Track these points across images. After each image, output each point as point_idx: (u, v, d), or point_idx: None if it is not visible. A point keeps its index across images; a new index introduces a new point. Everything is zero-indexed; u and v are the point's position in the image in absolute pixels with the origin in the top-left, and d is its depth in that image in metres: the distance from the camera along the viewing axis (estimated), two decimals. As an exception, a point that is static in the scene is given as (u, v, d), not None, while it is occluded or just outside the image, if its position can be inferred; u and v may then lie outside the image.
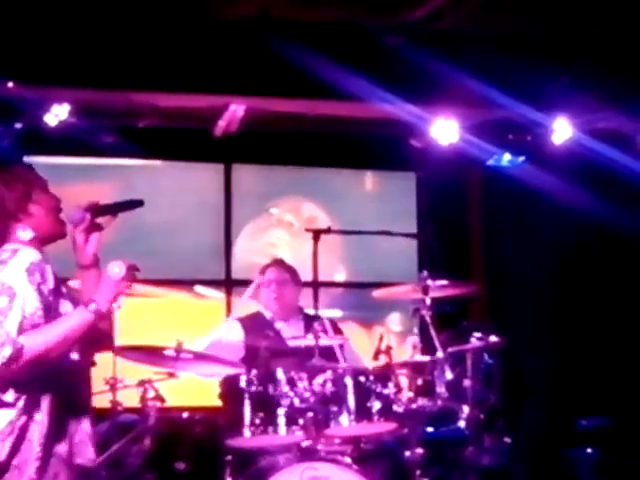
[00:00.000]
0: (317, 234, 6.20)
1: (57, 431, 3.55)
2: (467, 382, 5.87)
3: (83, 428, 3.68)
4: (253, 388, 5.37)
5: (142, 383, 5.75)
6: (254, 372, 5.43)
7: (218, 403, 5.96)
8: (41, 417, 3.49)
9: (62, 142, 6.77)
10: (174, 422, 5.91)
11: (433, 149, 7.16)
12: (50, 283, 3.57)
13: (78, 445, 3.61)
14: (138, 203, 3.87)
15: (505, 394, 6.18)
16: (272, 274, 6.58)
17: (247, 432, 5.35)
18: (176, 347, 5.53)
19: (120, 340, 5.77)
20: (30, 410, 3.47)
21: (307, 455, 5.33)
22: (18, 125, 6.45)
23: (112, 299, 3.58)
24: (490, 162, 7.34)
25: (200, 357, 5.72)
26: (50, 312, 3.51)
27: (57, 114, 6.41)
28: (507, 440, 6.10)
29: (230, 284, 7.51)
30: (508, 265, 7.44)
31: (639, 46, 6.34)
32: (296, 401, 5.37)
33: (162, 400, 5.71)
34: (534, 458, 6.72)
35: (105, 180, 7.43)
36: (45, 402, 3.50)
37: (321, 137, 7.20)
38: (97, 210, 3.76)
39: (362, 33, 6.23)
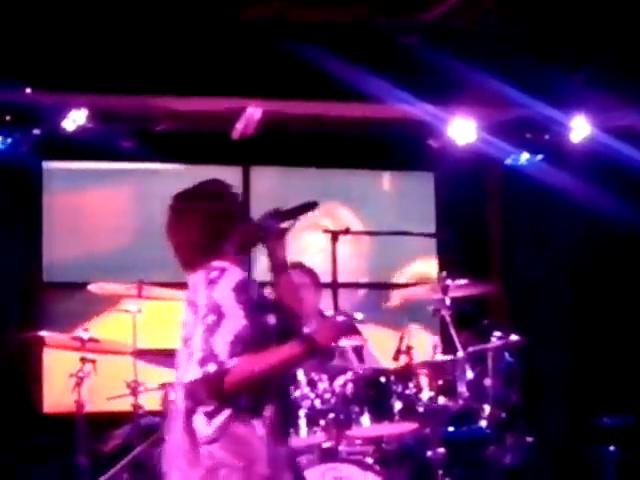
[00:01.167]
0: (335, 235, 6.15)
1: (279, 434, 3.61)
2: (488, 381, 5.83)
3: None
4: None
5: (163, 386, 5.74)
6: None
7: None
8: (261, 422, 3.53)
9: (80, 147, 6.75)
10: None
11: (451, 149, 7.16)
12: (255, 298, 3.66)
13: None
14: (314, 205, 3.95)
15: (526, 393, 6.12)
16: (293, 275, 6.47)
17: None
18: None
19: (141, 344, 6.00)
20: (251, 415, 3.52)
21: (329, 456, 5.26)
22: (36, 131, 6.42)
23: (329, 343, 3.71)
24: (508, 161, 7.32)
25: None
26: (257, 327, 3.57)
27: (75, 119, 6.39)
28: (529, 439, 6.08)
29: None
30: (527, 264, 7.39)
31: None
32: (317, 402, 5.34)
33: None
34: (556, 457, 6.70)
35: (124, 184, 7.46)
36: (268, 408, 3.56)
37: (339, 138, 7.14)
38: (283, 215, 3.88)
39: (378, 33, 6.24)
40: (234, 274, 3.62)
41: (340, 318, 3.99)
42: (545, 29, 6.26)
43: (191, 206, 3.78)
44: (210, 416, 3.48)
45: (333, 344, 3.92)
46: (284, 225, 3.89)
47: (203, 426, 3.48)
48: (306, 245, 7.47)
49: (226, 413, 3.48)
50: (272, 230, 3.82)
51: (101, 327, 6.76)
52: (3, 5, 5.86)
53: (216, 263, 3.64)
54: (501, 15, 6.02)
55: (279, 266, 3.89)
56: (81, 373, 5.93)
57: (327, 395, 5.34)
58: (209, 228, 3.73)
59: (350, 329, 4.02)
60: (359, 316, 6.80)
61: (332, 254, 5.96)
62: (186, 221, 3.75)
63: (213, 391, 3.47)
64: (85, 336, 6.00)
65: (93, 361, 5.97)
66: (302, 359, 3.73)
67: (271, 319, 3.69)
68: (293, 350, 3.61)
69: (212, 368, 3.41)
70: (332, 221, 7.45)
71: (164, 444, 3.88)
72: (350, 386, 5.40)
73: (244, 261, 3.84)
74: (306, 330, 3.79)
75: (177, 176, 7.38)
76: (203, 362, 3.43)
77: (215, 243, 3.74)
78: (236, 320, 3.51)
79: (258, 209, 7.68)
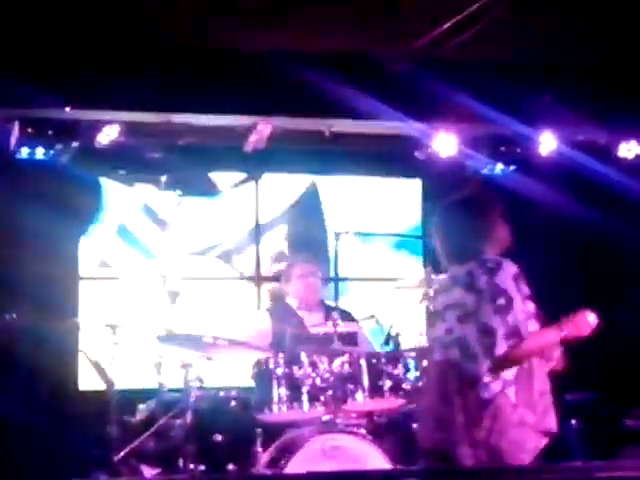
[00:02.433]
0: (337, 235, 6.29)
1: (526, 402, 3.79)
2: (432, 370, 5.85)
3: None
4: (280, 370, 5.46)
5: (184, 366, 5.76)
6: (281, 356, 5.52)
7: (250, 383, 5.94)
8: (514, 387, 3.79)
9: (113, 158, 6.83)
10: (212, 400, 5.89)
11: (435, 160, 7.13)
12: (523, 292, 3.91)
13: (541, 414, 3.82)
14: None
15: None
16: (300, 269, 6.55)
17: (275, 408, 5.46)
18: (213, 335, 5.63)
19: (164, 329, 6.01)
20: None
21: (327, 428, 5.37)
22: (75, 144, 6.42)
23: (576, 336, 3.87)
24: (485, 171, 7.31)
25: (234, 343, 5.74)
26: (525, 315, 3.84)
27: (108, 134, 6.41)
28: None
29: (260, 280, 7.46)
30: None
31: (612, 68, 6.32)
32: (318, 381, 5.47)
33: (201, 381, 5.73)
34: None
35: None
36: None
37: (339, 150, 7.24)
38: None
39: (372, 60, 6.26)
40: (511, 266, 3.94)
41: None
42: (517, 56, 6.26)
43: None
44: (488, 386, 3.78)
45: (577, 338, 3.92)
46: None
47: (485, 391, 3.78)
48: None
49: (499, 383, 3.78)
50: None
51: (129, 315, 6.76)
52: (48, 33, 5.75)
53: (489, 257, 3.99)
54: (478, 44, 5.97)
55: None
56: (112, 355, 5.85)
57: (326, 375, 5.45)
58: None
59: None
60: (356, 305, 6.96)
61: (334, 252, 6.25)
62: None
63: (505, 364, 3.78)
64: (115, 322, 5.99)
65: (122, 344, 5.90)
66: (556, 344, 3.89)
67: (529, 307, 3.90)
68: (553, 337, 3.86)
69: (508, 343, 3.71)
70: (333, 222, 7.61)
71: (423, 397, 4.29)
72: (347, 367, 5.49)
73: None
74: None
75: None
76: (508, 336, 3.73)
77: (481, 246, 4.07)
78: (518, 306, 3.81)
79: (266, 208, 7.87)
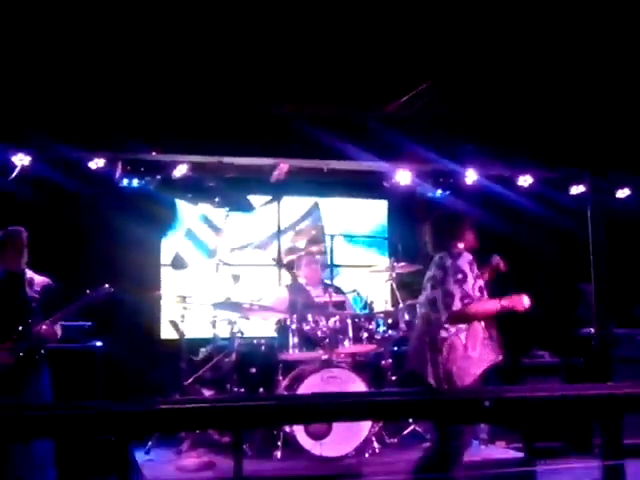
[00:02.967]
0: (332, 237, 6.30)
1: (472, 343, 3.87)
2: (417, 321, 5.81)
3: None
4: (294, 325, 5.51)
5: (230, 323, 5.79)
6: (294, 316, 5.54)
7: (274, 334, 5.91)
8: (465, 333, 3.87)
9: (184, 186, 6.75)
10: (249, 345, 5.88)
11: (397, 187, 7.01)
12: (474, 272, 3.94)
13: (482, 352, 3.90)
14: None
15: None
16: (306, 259, 6.56)
17: (291, 351, 5.49)
18: (249, 302, 5.71)
19: (218, 298, 5.98)
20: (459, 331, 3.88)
21: (326, 364, 5.34)
22: (158, 176, 6.42)
23: (510, 309, 3.93)
24: (429, 195, 7.21)
25: (263, 308, 5.82)
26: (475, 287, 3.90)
27: (180, 170, 6.38)
28: None
29: (280, 265, 7.33)
30: None
31: (515, 130, 6.25)
32: (318, 333, 5.48)
33: (242, 332, 5.79)
34: None
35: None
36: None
37: (332, 180, 7.10)
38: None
39: (356, 121, 6.12)
40: (467, 256, 3.98)
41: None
42: (451, 117, 6.15)
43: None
44: (447, 329, 3.88)
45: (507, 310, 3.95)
46: None
47: (444, 332, 3.88)
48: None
49: (454, 329, 3.87)
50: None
51: (193, 288, 6.62)
52: (141, 106, 5.63)
53: (454, 250, 4.02)
54: (427, 109, 5.94)
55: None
56: (182, 315, 5.93)
57: (325, 329, 5.47)
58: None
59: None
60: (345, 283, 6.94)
61: (330, 248, 6.21)
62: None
63: (459, 317, 3.86)
64: (184, 294, 6.03)
65: (189, 308, 5.97)
66: (495, 313, 3.96)
67: (479, 283, 3.96)
68: (495, 306, 3.92)
69: (457, 307, 3.81)
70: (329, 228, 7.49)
71: (411, 340, 4.38)
72: (338, 324, 5.51)
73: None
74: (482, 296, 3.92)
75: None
76: (462, 298, 3.83)
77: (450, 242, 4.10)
78: (470, 282, 3.87)
79: (284, 219, 7.78)
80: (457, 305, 3.83)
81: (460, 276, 3.88)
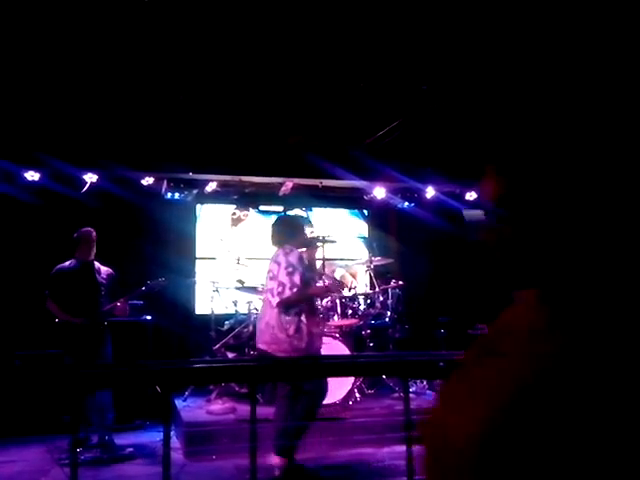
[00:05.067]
0: (323, 238, 6.32)
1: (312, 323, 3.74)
2: (389, 301, 5.89)
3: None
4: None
5: (248, 302, 5.77)
6: None
7: None
8: (304, 315, 3.70)
9: (214, 198, 6.70)
10: None
11: (374, 200, 6.98)
12: (305, 263, 3.75)
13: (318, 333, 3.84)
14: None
15: (404, 306, 6.10)
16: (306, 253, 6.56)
17: None
18: (262, 286, 5.68)
19: (238, 282, 5.90)
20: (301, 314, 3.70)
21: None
22: (194, 191, 6.35)
23: (332, 292, 3.97)
24: (399, 206, 7.15)
25: None
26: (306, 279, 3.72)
27: (211, 186, 6.34)
28: (406, 327, 6.08)
29: None
30: (405, 252, 7.14)
31: (461, 154, 6.00)
32: None
33: (257, 310, 5.66)
34: (418, 335, 6.53)
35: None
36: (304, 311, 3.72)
37: (324, 195, 7.01)
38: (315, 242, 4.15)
39: (343, 149, 6.08)
40: (297, 252, 3.79)
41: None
42: (414, 147, 6.09)
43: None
44: (286, 312, 3.67)
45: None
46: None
47: (284, 315, 3.68)
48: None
49: (293, 310, 3.69)
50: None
51: (221, 275, 6.49)
52: (181, 132, 5.51)
53: (288, 247, 3.81)
54: (396, 142, 5.88)
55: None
56: (212, 297, 5.90)
57: (319, 306, 5.31)
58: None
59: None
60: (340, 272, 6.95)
61: (323, 248, 6.24)
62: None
63: (289, 302, 3.65)
64: (214, 280, 5.99)
65: (218, 291, 5.94)
66: (320, 295, 3.94)
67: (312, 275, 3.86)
68: (318, 290, 3.88)
69: (292, 291, 3.61)
70: (322, 232, 7.63)
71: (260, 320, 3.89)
72: (329, 302, 5.47)
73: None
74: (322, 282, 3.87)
75: (252, 213, 7.19)
76: (291, 287, 3.63)
77: (285, 241, 3.87)
78: (301, 272, 3.69)
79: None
80: (286, 293, 3.63)
81: (290, 269, 3.67)
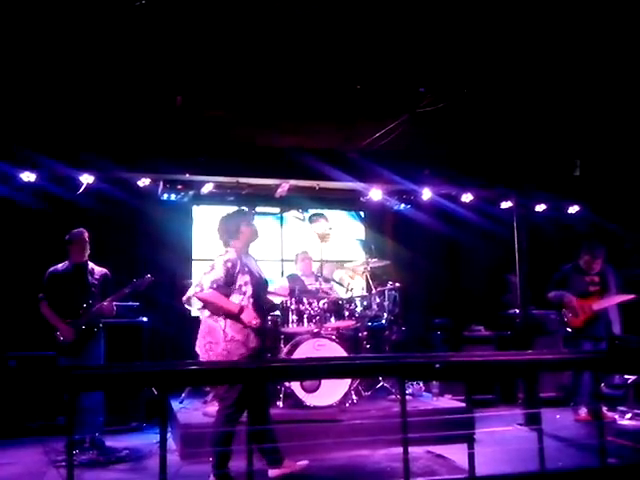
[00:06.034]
0: (321, 236, 6.36)
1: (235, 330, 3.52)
2: (385, 303, 5.84)
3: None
4: (293, 306, 5.42)
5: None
6: (293, 299, 5.46)
7: (278, 313, 5.66)
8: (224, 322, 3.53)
9: (211, 199, 6.71)
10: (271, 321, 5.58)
11: (371, 202, 6.95)
12: (237, 268, 3.51)
13: (245, 338, 3.58)
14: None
15: (402, 308, 6.10)
16: (302, 257, 6.42)
17: (290, 325, 5.39)
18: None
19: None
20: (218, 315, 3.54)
21: (316, 335, 5.26)
22: (190, 192, 6.24)
23: (240, 314, 3.47)
24: (395, 208, 7.12)
25: (270, 293, 5.52)
26: (231, 283, 3.53)
27: (207, 188, 6.31)
28: (403, 328, 6.06)
29: (282, 261, 7.24)
30: (403, 253, 7.21)
31: (457, 156, 6.22)
32: (311, 312, 5.39)
33: None
34: (415, 337, 6.60)
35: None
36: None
37: (321, 196, 7.01)
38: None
39: (339, 152, 6.07)
40: (230, 254, 3.56)
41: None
42: (411, 151, 6.11)
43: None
44: (207, 315, 3.62)
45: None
46: None
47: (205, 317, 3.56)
48: (310, 242, 7.45)
49: (208, 313, 3.53)
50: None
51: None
52: (177, 134, 5.49)
53: (228, 248, 3.65)
54: (392, 145, 5.86)
55: None
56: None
57: (316, 308, 5.38)
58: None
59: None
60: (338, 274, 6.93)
61: (320, 245, 6.31)
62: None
63: (201, 299, 3.52)
64: None
65: None
66: (232, 312, 3.43)
67: (244, 279, 3.49)
68: (231, 307, 3.45)
69: (197, 290, 3.46)
70: (321, 231, 7.45)
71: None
72: (326, 305, 5.44)
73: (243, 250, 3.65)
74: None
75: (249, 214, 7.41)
76: (199, 285, 3.48)
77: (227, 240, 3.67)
78: (219, 275, 3.47)
79: (290, 228, 7.78)
80: (195, 290, 3.50)
81: (209, 270, 3.55)
